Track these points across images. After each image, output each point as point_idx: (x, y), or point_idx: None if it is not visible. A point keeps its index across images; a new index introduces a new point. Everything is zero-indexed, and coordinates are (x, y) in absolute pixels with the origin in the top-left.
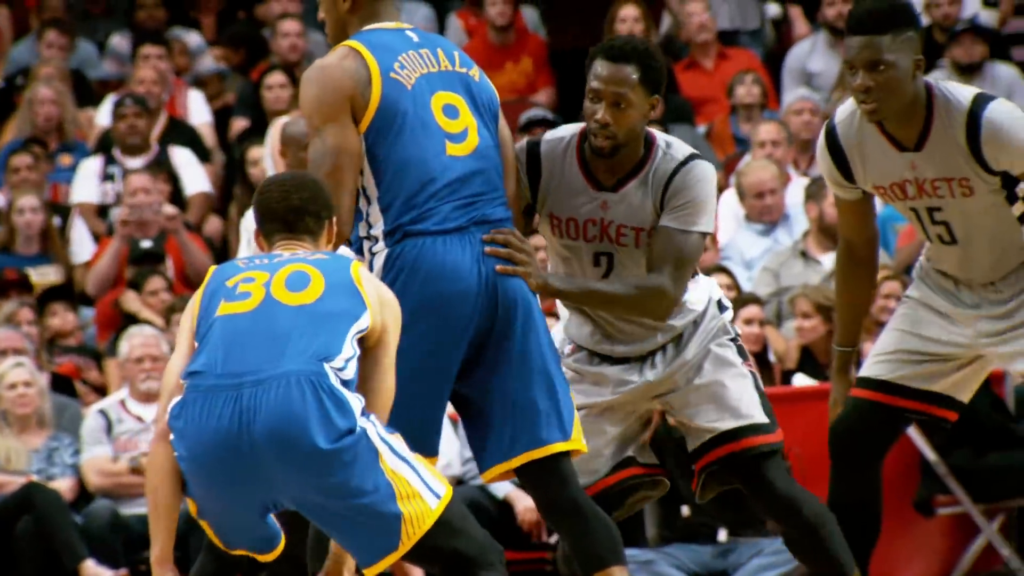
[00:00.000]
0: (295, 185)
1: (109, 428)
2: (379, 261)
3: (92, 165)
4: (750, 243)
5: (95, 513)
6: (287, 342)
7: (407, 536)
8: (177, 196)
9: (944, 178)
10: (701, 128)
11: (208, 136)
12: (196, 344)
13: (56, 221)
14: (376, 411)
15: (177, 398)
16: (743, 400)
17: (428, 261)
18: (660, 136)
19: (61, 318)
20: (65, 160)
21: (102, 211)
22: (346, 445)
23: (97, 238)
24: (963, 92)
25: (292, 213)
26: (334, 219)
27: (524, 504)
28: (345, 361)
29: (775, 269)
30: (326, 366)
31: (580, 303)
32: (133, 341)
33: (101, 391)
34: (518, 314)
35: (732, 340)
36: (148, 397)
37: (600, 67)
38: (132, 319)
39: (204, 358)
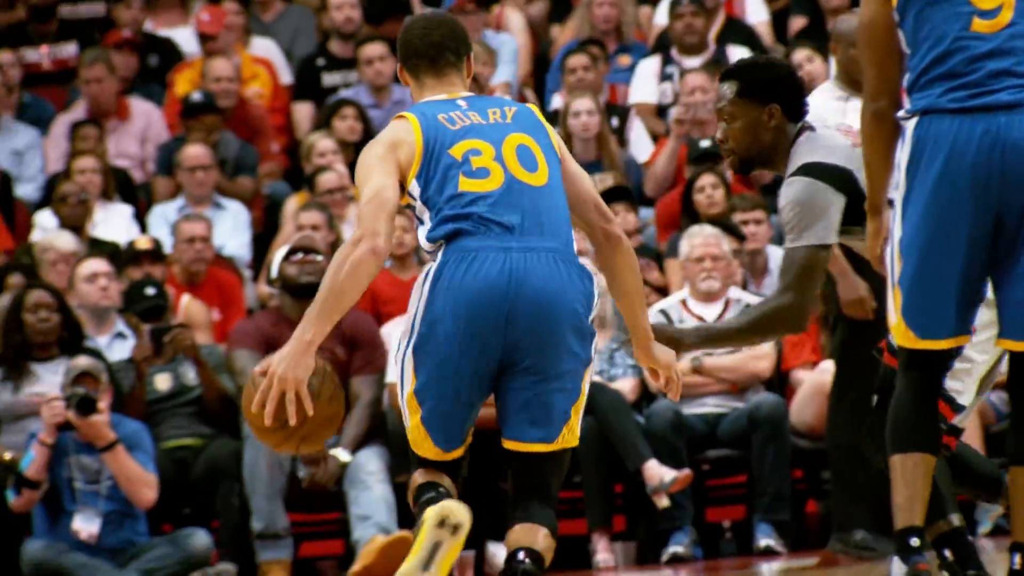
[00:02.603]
0: (435, 23)
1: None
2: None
3: (650, 65)
4: None
5: (657, 413)
6: (543, 222)
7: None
8: None
9: None
10: None
11: (765, 35)
12: (419, 185)
13: (613, 122)
14: None
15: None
16: None
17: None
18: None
19: (622, 218)
20: (623, 60)
21: (660, 111)
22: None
23: (655, 138)
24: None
25: (433, 49)
26: (471, 56)
27: None
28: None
29: None
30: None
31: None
32: (693, 240)
33: (662, 291)
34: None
35: None
36: (708, 297)
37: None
38: (695, 217)
39: (462, 225)
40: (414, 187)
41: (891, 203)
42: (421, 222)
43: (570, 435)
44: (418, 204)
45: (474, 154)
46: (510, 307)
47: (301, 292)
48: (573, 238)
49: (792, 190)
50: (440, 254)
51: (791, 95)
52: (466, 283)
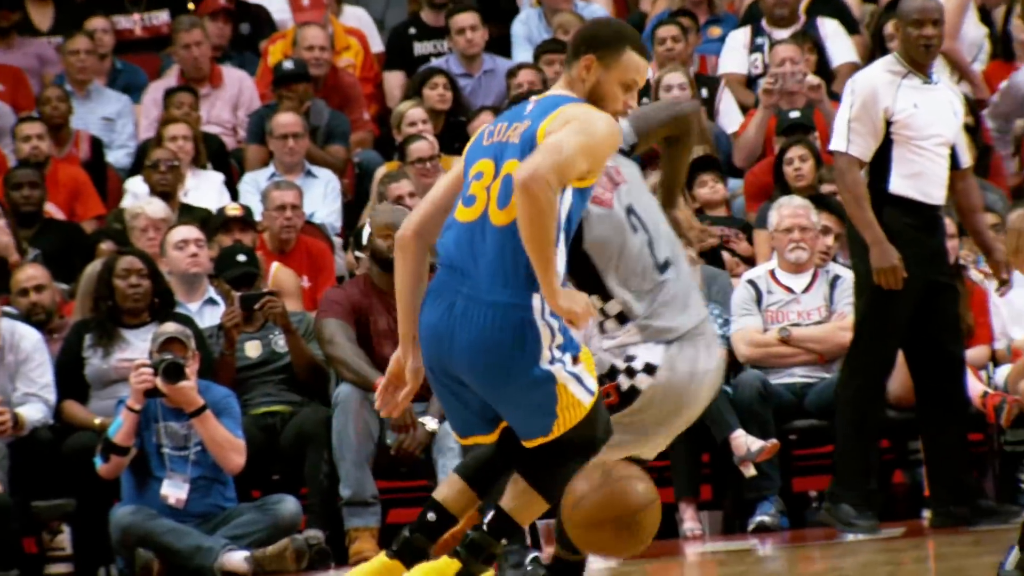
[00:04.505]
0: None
1: (759, 299)
2: None
3: (740, 36)
4: None
5: (744, 383)
6: (495, 271)
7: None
8: (823, 67)
9: None
10: None
11: (855, 8)
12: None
13: (702, 93)
14: None
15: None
16: None
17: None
18: None
19: (710, 188)
20: (714, 32)
21: (750, 82)
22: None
23: (744, 109)
24: None
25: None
26: (593, 58)
27: None
28: None
29: None
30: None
31: None
32: (782, 211)
33: (750, 262)
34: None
35: None
36: (797, 267)
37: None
38: (786, 188)
39: (440, 254)
40: None
41: None
42: None
43: (565, 422)
44: None
45: (477, 178)
46: (447, 355)
47: (390, 265)
48: (523, 282)
49: None
50: None
51: None
52: (423, 320)
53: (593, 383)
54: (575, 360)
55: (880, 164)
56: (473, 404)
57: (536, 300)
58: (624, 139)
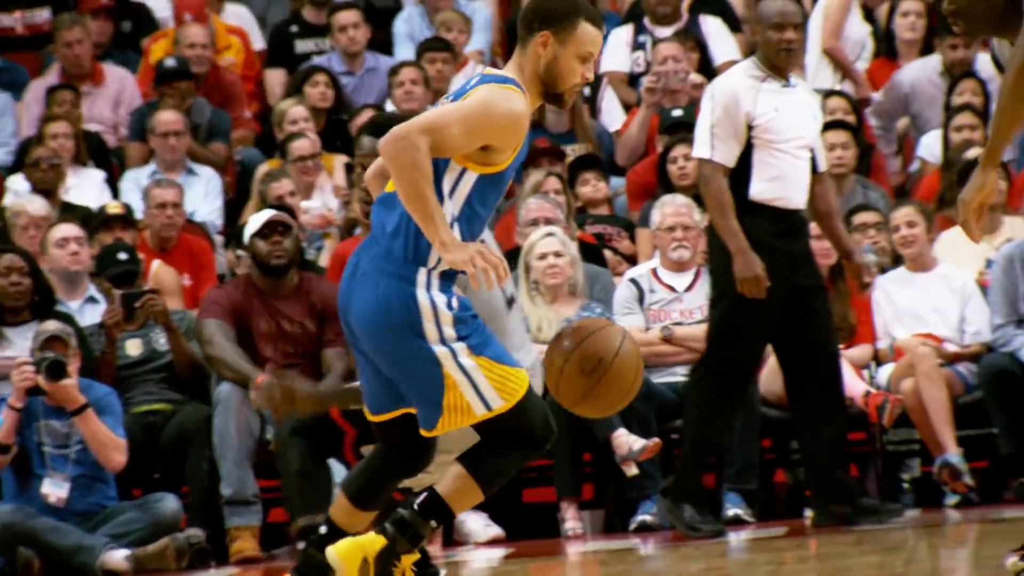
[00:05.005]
0: None
1: (641, 298)
2: None
3: (622, 34)
4: None
5: None
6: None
7: None
8: (706, 65)
9: None
10: None
11: (738, 4)
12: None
13: (584, 92)
14: None
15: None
16: None
17: None
18: None
19: (593, 187)
20: None
21: (632, 80)
22: None
23: (627, 107)
24: None
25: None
26: (548, 34)
27: None
28: None
29: None
30: None
31: None
32: (665, 210)
33: (632, 260)
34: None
35: None
36: (679, 266)
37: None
38: (669, 187)
39: None
40: None
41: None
42: None
43: (457, 417)
44: None
45: None
46: (347, 320)
47: (270, 269)
48: (413, 255)
49: None
50: None
51: None
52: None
53: (496, 399)
54: (473, 354)
55: (740, 170)
56: (382, 376)
57: (422, 274)
58: None
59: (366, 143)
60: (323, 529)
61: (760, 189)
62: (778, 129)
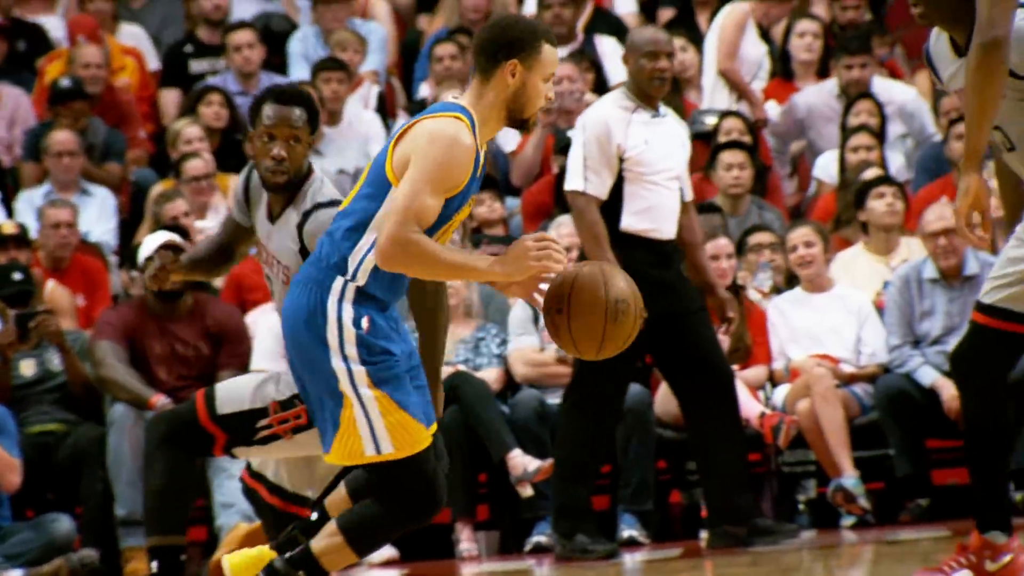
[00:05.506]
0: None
1: (536, 318)
2: None
3: None
4: None
5: (522, 403)
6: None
7: None
8: (601, 85)
9: None
10: None
11: (634, 26)
12: None
13: None
14: None
15: None
16: None
17: None
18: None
19: (488, 207)
20: None
21: None
22: None
23: None
24: None
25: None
26: (516, 63)
27: (950, 392)
28: None
29: None
30: None
31: None
32: (561, 231)
33: None
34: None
35: None
36: None
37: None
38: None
39: None
40: None
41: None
42: None
43: (346, 449)
44: None
45: None
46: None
47: (163, 295)
48: (335, 264)
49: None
50: None
51: None
52: None
53: (387, 444)
54: (373, 385)
55: (611, 202)
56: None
57: (338, 283)
58: None
59: (269, 111)
60: (314, 516)
61: (631, 221)
62: (648, 161)
